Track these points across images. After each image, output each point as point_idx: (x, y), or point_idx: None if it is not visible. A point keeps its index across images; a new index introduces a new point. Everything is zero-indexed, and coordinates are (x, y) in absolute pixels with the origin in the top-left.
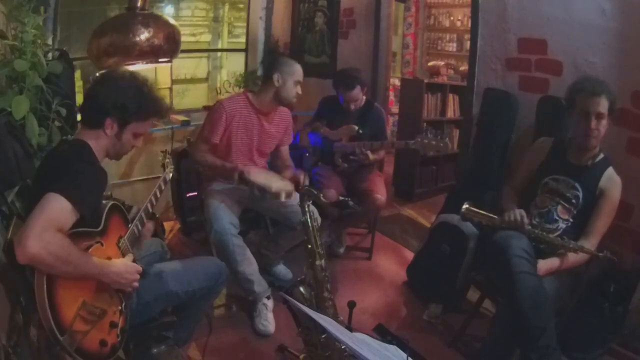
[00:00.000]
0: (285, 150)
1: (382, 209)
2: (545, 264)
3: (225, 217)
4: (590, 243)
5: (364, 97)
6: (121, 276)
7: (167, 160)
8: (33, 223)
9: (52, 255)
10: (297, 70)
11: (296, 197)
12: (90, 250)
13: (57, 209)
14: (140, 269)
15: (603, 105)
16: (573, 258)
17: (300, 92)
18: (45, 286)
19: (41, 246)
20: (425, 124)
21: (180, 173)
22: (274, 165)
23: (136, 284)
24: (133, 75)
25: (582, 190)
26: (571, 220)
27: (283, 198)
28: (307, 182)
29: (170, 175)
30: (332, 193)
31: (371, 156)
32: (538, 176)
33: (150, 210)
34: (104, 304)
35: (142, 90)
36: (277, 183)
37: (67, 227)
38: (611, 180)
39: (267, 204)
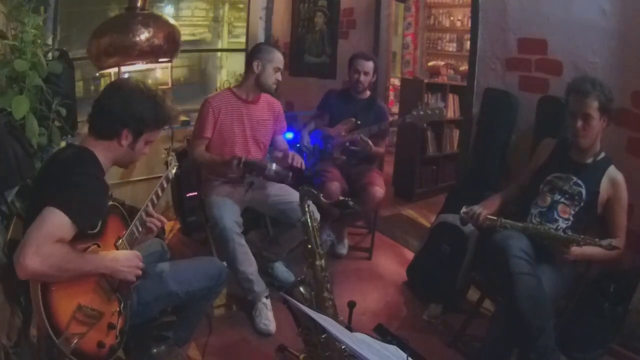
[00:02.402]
0: (280, 139)
1: (381, 203)
2: (579, 249)
3: (229, 216)
4: (621, 243)
5: (368, 92)
6: (120, 263)
7: (171, 157)
8: (30, 239)
9: (53, 267)
10: (277, 57)
11: (295, 194)
12: (86, 252)
13: (56, 225)
14: (141, 255)
15: (591, 106)
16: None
17: (280, 78)
18: (39, 290)
19: (40, 261)
20: (425, 123)
21: (180, 173)
22: (274, 159)
23: (139, 272)
24: (144, 86)
25: (585, 187)
26: (571, 219)
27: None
28: (299, 164)
29: (174, 172)
30: (336, 186)
31: (373, 146)
32: (540, 175)
33: (152, 209)
34: (101, 305)
35: (156, 100)
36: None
37: (66, 239)
38: (616, 180)
39: (266, 200)
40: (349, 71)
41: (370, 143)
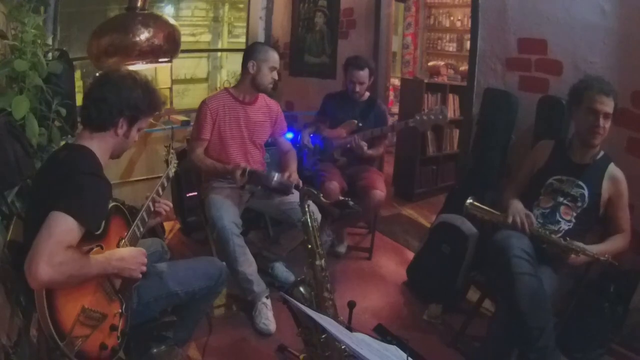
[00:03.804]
0: (283, 140)
1: (382, 205)
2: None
3: (228, 216)
4: (627, 238)
5: (368, 93)
6: (126, 261)
7: (171, 155)
8: (41, 248)
9: (65, 275)
10: (272, 56)
11: (296, 195)
12: (90, 254)
13: (64, 230)
14: (145, 251)
15: (610, 105)
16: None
17: (276, 77)
18: (44, 293)
19: (53, 271)
20: (429, 129)
21: (180, 173)
22: (278, 162)
23: (144, 268)
24: (133, 73)
25: (587, 188)
26: (573, 220)
27: (280, 189)
28: (300, 183)
29: (174, 170)
30: (335, 185)
31: (367, 149)
32: (541, 177)
33: (153, 209)
34: (104, 307)
35: (147, 86)
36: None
37: (75, 243)
38: (617, 177)
39: (267, 202)
40: (345, 77)
41: (365, 148)
